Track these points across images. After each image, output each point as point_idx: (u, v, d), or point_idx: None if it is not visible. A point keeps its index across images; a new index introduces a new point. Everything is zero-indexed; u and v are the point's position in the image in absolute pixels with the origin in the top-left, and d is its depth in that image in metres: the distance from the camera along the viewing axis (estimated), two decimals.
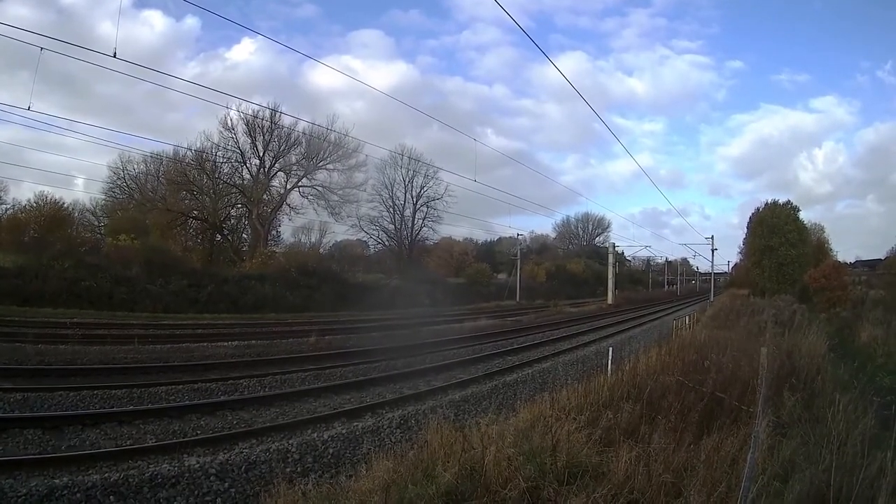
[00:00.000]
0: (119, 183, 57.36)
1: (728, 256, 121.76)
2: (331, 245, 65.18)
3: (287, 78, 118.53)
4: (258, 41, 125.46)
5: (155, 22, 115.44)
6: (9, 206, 46.04)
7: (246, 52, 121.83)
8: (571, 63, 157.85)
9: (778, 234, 47.70)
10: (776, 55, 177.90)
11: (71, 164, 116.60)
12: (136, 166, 57.43)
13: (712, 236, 72.01)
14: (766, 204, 51.31)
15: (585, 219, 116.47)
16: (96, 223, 56.15)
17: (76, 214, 51.55)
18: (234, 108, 53.40)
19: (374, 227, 72.33)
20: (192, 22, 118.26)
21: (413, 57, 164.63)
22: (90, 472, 9.10)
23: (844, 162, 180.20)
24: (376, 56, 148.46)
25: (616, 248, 78.62)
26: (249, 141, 58.61)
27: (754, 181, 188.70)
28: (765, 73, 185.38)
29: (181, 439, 11.10)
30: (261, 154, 59.31)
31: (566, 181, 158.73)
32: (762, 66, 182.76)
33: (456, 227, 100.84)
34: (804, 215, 53.44)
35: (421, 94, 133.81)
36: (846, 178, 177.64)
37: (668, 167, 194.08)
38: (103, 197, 57.06)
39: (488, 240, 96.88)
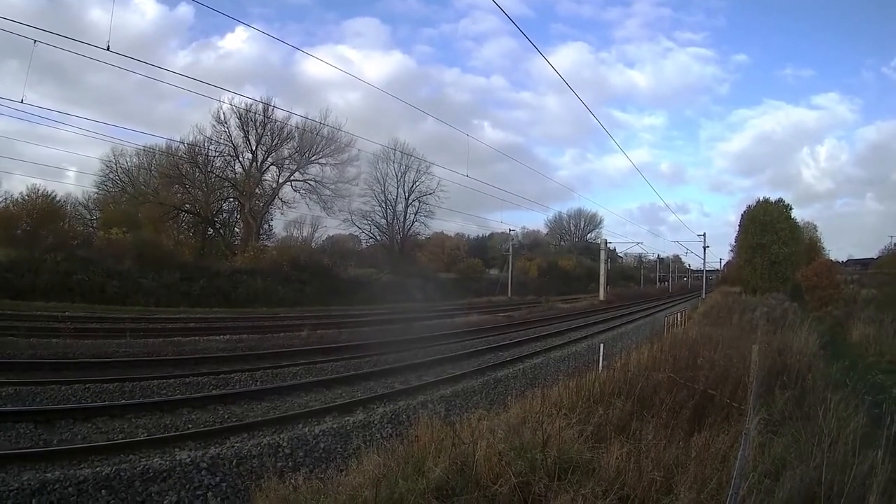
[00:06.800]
0: (111, 176, 57.13)
1: (723, 254, 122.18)
2: (323, 239, 64.91)
3: (280, 67, 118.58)
4: (252, 30, 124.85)
5: (147, 9, 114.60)
6: (1, 200, 45.68)
7: (239, 41, 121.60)
8: (572, 54, 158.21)
9: (770, 231, 47.66)
10: (781, 50, 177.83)
11: (62, 156, 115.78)
12: (128, 159, 57.25)
13: (704, 234, 72.64)
14: (759, 201, 51.27)
15: (578, 215, 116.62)
16: (88, 216, 55.86)
17: (68, 207, 51.23)
18: (226, 101, 53.16)
19: (366, 222, 72.45)
20: (184, 10, 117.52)
21: (409, 46, 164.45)
22: (82, 465, 9.10)
23: (846, 160, 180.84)
24: (372, 45, 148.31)
25: (608, 245, 78.82)
26: (242, 135, 58.40)
27: (754, 178, 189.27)
28: (769, 68, 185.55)
29: (172, 433, 11.07)
30: (253, 148, 59.08)
31: (563, 176, 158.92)
32: (766, 60, 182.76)
33: (448, 222, 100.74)
34: (802, 213, 53.73)
35: (417, 85, 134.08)
36: (846, 175, 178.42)
37: (668, 162, 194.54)
38: (95, 190, 56.87)
39: (480, 235, 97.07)
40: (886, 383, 13.43)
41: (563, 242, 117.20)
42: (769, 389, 9.76)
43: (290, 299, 45.49)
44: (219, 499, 9.00)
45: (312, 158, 61.12)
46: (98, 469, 8.85)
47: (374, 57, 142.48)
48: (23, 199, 43.42)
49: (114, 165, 56.66)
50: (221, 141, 57.45)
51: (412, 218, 74.20)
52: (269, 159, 60.34)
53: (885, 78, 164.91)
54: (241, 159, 59.61)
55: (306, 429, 11.85)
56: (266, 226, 61.51)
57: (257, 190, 59.85)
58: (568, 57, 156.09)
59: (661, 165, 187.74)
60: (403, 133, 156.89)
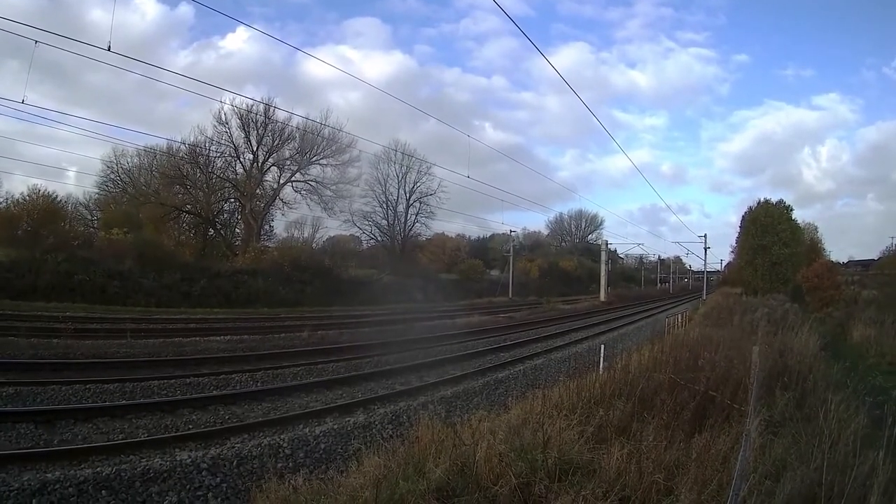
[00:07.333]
0: (112, 176, 57.03)
1: (723, 255, 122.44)
2: (324, 240, 64.89)
3: (281, 67, 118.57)
4: (252, 30, 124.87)
5: (147, 10, 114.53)
6: (2, 200, 45.71)
7: (240, 41, 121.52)
8: (573, 54, 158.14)
9: (771, 232, 47.56)
10: (782, 49, 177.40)
11: (62, 156, 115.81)
12: (129, 160, 57.20)
13: (705, 235, 72.76)
14: (759, 203, 51.20)
15: (578, 216, 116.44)
16: (89, 217, 55.85)
17: (69, 208, 51.20)
18: (227, 101, 53.14)
19: (367, 223, 72.11)
20: (185, 10, 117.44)
21: (410, 46, 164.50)
22: (82, 466, 9.11)
23: (847, 160, 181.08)
24: (372, 45, 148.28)
25: (609, 246, 78.87)
26: (243, 135, 58.37)
27: (755, 178, 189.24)
28: (770, 68, 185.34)
29: (173, 434, 11.08)
30: (254, 148, 59.05)
31: (563, 177, 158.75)
32: (767, 60, 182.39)
33: (449, 223, 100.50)
34: (803, 213, 53.31)
35: (418, 85, 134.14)
36: (847, 176, 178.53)
37: (669, 163, 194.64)
38: (96, 190, 56.82)
39: (481, 236, 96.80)
40: (887, 384, 13.43)
41: (563, 243, 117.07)
42: (770, 391, 9.76)
43: (290, 300, 45.50)
44: (219, 499, 9.01)
45: (313, 159, 61.17)
46: (98, 469, 8.86)
47: (375, 57, 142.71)
48: (24, 199, 43.49)
49: (115, 166, 56.64)
50: (222, 141, 57.52)
51: (413, 219, 74.05)
52: (269, 160, 60.40)
53: (886, 78, 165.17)
54: (241, 160, 59.67)
55: (307, 429, 11.86)
56: (267, 226, 61.62)
57: (258, 190, 59.85)
58: (569, 57, 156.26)
59: (662, 166, 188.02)
60: (404, 133, 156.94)
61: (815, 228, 67.67)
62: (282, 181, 61.34)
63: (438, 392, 15.92)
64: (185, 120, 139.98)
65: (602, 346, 15.46)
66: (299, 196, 61.90)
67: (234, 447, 10.49)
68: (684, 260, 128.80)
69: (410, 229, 74.41)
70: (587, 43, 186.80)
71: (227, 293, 43.20)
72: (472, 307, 47.41)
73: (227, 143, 57.76)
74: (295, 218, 61.89)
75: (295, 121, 58.22)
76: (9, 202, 44.81)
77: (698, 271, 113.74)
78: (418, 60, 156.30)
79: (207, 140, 56.59)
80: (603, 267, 70.92)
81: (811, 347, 14.79)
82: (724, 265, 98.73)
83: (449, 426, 8.10)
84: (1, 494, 7.86)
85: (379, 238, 74.05)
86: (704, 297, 62.45)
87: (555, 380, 14.43)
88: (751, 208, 51.85)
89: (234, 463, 9.87)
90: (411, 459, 7.04)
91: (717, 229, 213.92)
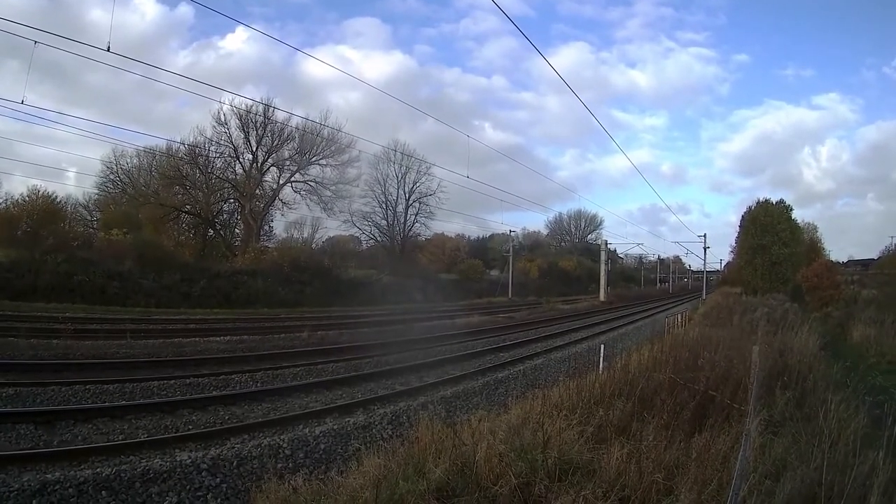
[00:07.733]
0: (112, 177, 57.04)
1: (723, 255, 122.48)
2: (323, 240, 64.89)
3: (281, 67, 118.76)
4: (252, 30, 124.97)
5: (147, 10, 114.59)
6: (1, 201, 45.69)
7: (239, 41, 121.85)
8: (573, 54, 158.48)
9: (770, 232, 47.53)
10: (782, 49, 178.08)
11: (61, 156, 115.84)
12: (128, 160, 57.19)
13: (705, 234, 72.70)
14: (759, 202, 51.18)
15: (578, 216, 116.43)
16: (89, 217, 55.84)
17: (69, 208, 51.18)
18: (227, 102, 53.11)
19: (366, 223, 72.07)
20: (184, 10, 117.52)
21: (410, 46, 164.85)
22: (82, 466, 9.09)
23: (846, 160, 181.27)
24: (372, 45, 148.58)
25: (609, 246, 78.88)
26: (242, 136, 58.37)
27: (755, 178, 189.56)
28: (770, 68, 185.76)
29: (173, 434, 11.07)
30: (254, 149, 59.02)
31: (563, 177, 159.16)
32: (767, 60, 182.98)
33: (448, 223, 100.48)
34: (803, 213, 53.31)
35: (418, 85, 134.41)
36: (847, 175, 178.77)
37: (669, 163, 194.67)
38: (96, 191, 56.84)
39: (481, 236, 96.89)
40: (887, 384, 13.42)
41: (563, 243, 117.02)
42: (770, 390, 9.75)
43: (290, 300, 45.46)
44: (219, 500, 9.01)
45: (313, 159, 61.14)
46: (98, 470, 8.85)
47: (375, 57, 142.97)
48: (23, 200, 43.52)
49: (114, 166, 56.66)
50: (222, 142, 57.54)
51: (412, 219, 73.99)
52: (269, 160, 60.36)
53: (886, 77, 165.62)
54: (241, 160, 59.66)
55: (307, 430, 11.85)
56: (266, 227, 61.57)
57: (258, 191, 59.81)
58: (569, 57, 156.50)
59: (662, 166, 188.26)
60: (404, 133, 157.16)
61: (815, 228, 67.78)
62: (281, 181, 61.44)
63: (438, 392, 15.92)
64: (185, 120, 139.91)
65: (602, 346, 15.47)
66: (299, 196, 62.01)
67: (233, 448, 10.49)
68: (684, 260, 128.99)
69: (410, 229, 74.43)
70: (587, 43, 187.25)
71: (226, 294, 43.18)
72: (471, 307, 47.40)
73: (226, 144, 57.87)
74: (294, 218, 61.97)
75: (294, 121, 58.32)
76: (8, 203, 44.88)
77: (698, 271, 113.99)
78: (418, 60, 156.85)
79: (207, 140, 56.69)
80: (602, 267, 70.97)
81: (811, 347, 14.79)
82: (723, 265, 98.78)
83: (449, 426, 8.11)
84: (1, 495, 7.85)
85: (378, 238, 74.08)
86: (704, 297, 62.44)
87: (555, 380, 14.41)
88: (750, 208, 51.89)
89: (234, 463, 9.86)
90: (411, 460, 7.04)
91: (717, 229, 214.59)
